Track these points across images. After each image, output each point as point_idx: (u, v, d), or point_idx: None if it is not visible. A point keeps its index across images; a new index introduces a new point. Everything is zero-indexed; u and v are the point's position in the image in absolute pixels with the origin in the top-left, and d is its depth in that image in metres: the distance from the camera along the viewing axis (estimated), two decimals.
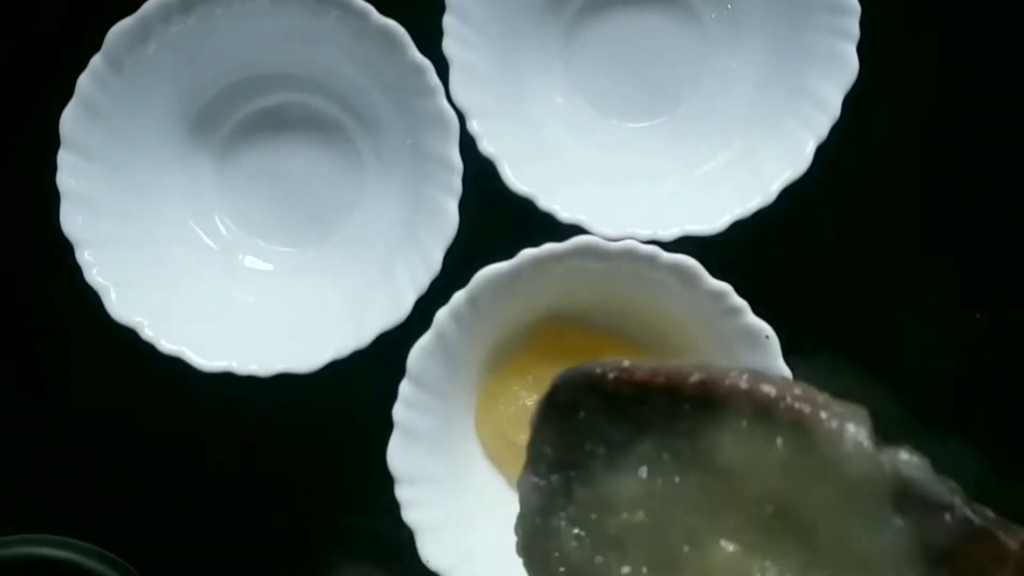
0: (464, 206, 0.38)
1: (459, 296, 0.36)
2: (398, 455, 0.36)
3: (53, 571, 0.38)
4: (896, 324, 0.43)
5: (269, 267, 0.42)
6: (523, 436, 0.38)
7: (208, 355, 0.38)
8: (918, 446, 0.46)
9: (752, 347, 0.36)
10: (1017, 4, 0.43)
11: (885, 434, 0.43)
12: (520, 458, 0.38)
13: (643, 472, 0.21)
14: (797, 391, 0.21)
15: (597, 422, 0.22)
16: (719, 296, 0.36)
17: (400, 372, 0.36)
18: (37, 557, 0.38)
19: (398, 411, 0.36)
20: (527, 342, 0.39)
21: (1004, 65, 0.43)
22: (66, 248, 0.38)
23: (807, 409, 0.20)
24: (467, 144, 0.38)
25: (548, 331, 0.39)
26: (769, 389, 0.20)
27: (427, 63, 0.37)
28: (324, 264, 0.42)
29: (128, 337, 0.38)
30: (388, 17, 0.37)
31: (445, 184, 0.38)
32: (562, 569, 0.21)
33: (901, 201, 0.43)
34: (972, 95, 0.43)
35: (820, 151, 0.39)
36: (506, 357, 0.39)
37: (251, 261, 0.42)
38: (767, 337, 0.36)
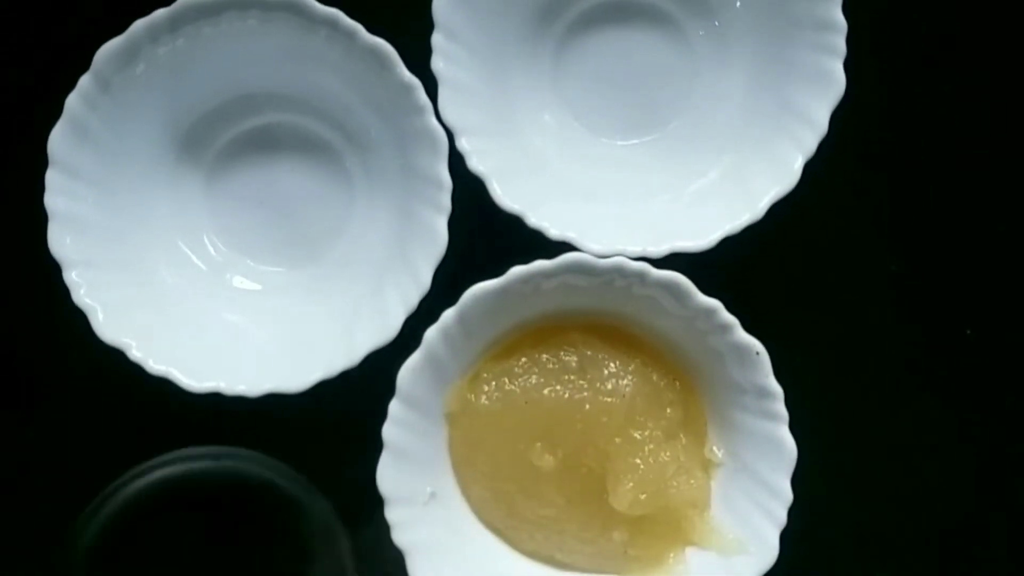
0: (453, 224, 0.38)
1: (448, 314, 0.36)
2: (388, 475, 0.35)
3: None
4: (888, 340, 0.43)
5: (258, 287, 0.42)
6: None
7: (196, 376, 0.38)
8: (912, 451, 0.46)
9: (743, 363, 0.36)
10: (1003, 22, 0.43)
11: (877, 443, 0.42)
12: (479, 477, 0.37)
13: None
14: None
15: None
16: (709, 313, 0.36)
17: (390, 391, 0.36)
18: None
19: (387, 431, 0.36)
20: (516, 358, 0.39)
21: (991, 81, 0.44)
22: (54, 268, 0.38)
23: None
24: (456, 162, 0.38)
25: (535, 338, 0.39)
26: None
27: (416, 81, 0.37)
28: (313, 283, 0.42)
29: (116, 358, 0.38)
30: (377, 36, 0.37)
31: (434, 202, 0.38)
32: None
33: (890, 216, 0.43)
34: (958, 111, 0.44)
35: (808, 167, 0.39)
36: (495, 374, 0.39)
37: (240, 281, 0.42)
38: (757, 353, 0.36)
